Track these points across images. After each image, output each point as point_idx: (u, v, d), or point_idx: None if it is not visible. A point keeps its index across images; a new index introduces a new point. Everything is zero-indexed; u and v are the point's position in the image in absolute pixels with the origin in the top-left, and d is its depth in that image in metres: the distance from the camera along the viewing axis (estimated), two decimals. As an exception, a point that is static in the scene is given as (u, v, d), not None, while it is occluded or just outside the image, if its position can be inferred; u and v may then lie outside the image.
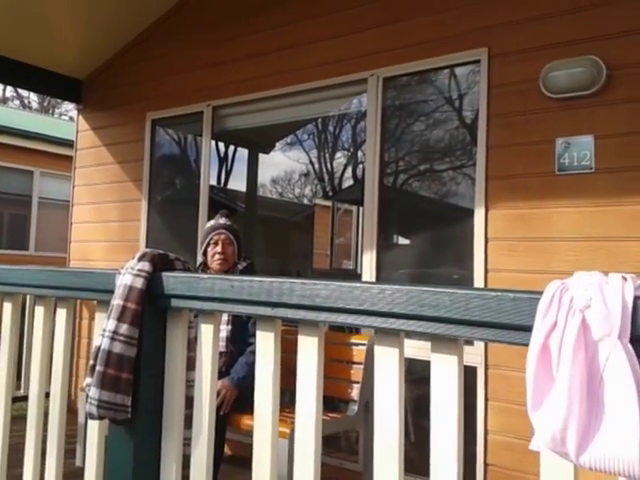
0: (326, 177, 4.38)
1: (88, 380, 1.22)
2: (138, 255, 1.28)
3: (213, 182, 4.37)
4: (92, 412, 1.18)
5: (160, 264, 1.27)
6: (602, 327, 0.72)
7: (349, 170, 4.08)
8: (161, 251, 1.33)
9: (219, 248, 3.10)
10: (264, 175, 4.80)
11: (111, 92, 4.91)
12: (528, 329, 0.78)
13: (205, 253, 3.18)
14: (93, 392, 1.18)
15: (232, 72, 4.07)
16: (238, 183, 5.47)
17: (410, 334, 0.96)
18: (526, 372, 0.78)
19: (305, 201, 4.72)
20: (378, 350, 1.00)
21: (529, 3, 2.95)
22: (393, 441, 0.97)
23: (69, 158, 9.20)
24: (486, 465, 2.91)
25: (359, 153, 3.65)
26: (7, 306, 1.64)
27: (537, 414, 0.76)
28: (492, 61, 3.04)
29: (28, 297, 4.17)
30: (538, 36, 2.89)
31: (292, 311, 1.06)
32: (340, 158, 4.13)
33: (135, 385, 1.19)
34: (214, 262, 3.11)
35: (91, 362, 1.23)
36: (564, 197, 2.79)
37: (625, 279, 0.75)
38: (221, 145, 5.04)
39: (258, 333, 1.15)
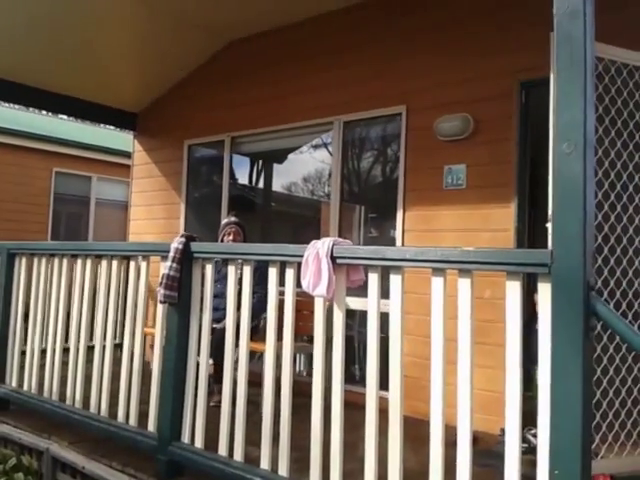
0: (316, 179, 5.98)
1: (158, 288, 2.87)
2: (179, 235, 2.93)
3: (242, 182, 5.94)
4: (161, 300, 2.84)
5: (189, 238, 2.92)
6: (322, 252, 2.32)
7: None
8: (189, 233, 2.97)
9: (231, 237, 4.72)
10: (278, 178, 6.40)
11: (158, 123, 6.63)
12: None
13: (222, 240, 4.80)
14: (162, 292, 2.83)
15: (245, 112, 5.71)
16: (257, 184, 7.02)
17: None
18: (306, 272, 2.39)
19: (308, 197, 6.29)
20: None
21: (431, 76, 4.50)
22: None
23: (120, 165, 11.10)
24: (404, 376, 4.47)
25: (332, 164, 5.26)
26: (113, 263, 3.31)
27: (309, 283, 2.37)
28: (409, 114, 4.61)
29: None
30: (435, 99, 4.44)
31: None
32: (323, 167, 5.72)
33: (178, 289, 2.84)
34: (228, 246, 4.75)
35: (159, 280, 2.88)
36: (447, 204, 4.34)
37: (333, 238, 2.35)
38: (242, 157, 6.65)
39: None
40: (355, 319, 4.72)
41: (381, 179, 5.08)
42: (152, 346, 3.16)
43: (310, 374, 2.93)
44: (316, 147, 5.54)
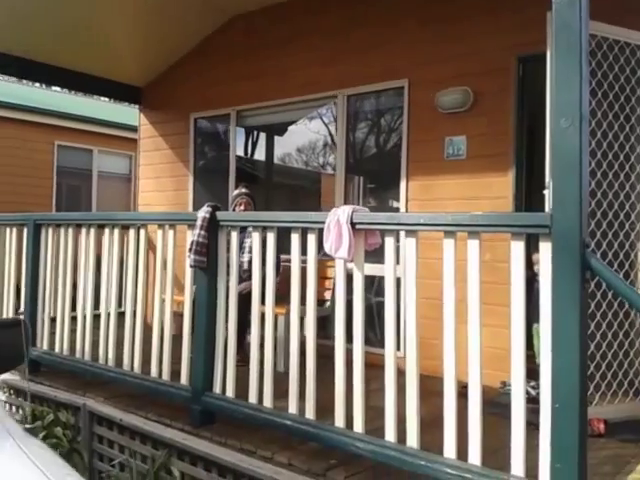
0: (321, 151, 6.21)
1: (188, 253, 3.12)
2: (205, 205, 3.17)
3: (248, 154, 6.15)
4: (192, 264, 3.10)
5: (215, 208, 3.16)
6: (343, 219, 2.57)
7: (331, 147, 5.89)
8: (214, 203, 3.21)
9: (242, 207, 4.94)
10: (278, 146, 6.61)
11: (164, 97, 6.78)
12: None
13: (234, 210, 5.04)
14: (192, 257, 3.08)
15: (250, 86, 5.88)
16: (260, 156, 7.20)
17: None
18: (328, 237, 2.64)
19: (310, 169, 6.54)
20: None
21: (432, 51, 4.69)
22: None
23: (121, 138, 11.22)
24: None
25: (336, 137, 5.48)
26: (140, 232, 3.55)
27: (331, 247, 2.62)
28: (411, 87, 4.81)
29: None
30: (436, 74, 4.64)
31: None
32: (326, 138, 5.94)
33: (207, 254, 3.09)
34: (239, 216, 4.99)
35: (188, 247, 3.13)
36: (449, 174, 4.58)
37: (353, 206, 2.60)
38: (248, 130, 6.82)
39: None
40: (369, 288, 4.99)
41: (385, 151, 5.31)
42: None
43: (324, 337, 3.22)
44: (319, 120, 5.75)
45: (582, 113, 2.05)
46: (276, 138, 6.61)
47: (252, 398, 2.94)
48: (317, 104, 5.57)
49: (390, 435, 2.45)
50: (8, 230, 4.52)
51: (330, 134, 5.64)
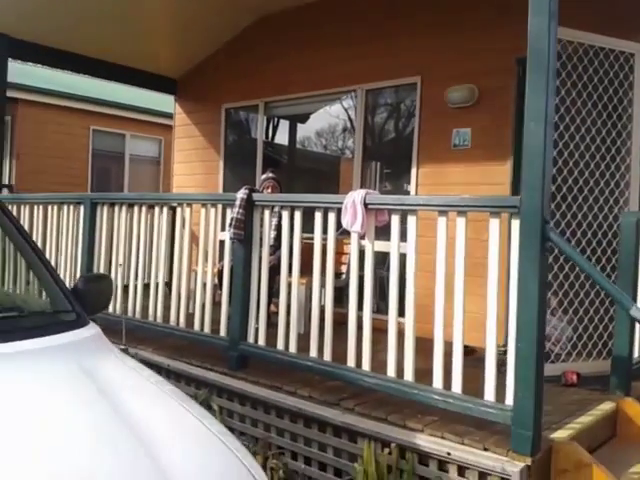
0: (341, 138, 6.79)
1: (228, 228, 3.74)
2: (243, 187, 3.78)
3: (274, 141, 6.75)
4: (231, 237, 3.72)
5: (251, 190, 3.77)
6: (357, 200, 3.16)
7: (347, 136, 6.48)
8: (258, 187, 3.82)
9: (269, 190, 5.54)
10: (301, 134, 7.18)
11: (197, 88, 7.39)
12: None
13: (261, 192, 5.64)
14: (232, 231, 3.70)
15: (277, 80, 6.45)
16: (283, 141, 7.76)
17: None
18: (348, 211, 3.23)
19: (331, 153, 7.12)
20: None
21: (443, 52, 5.22)
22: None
23: (151, 123, 11.87)
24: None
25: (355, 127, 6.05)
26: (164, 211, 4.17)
27: (347, 223, 3.22)
28: (423, 84, 5.36)
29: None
30: (445, 72, 5.17)
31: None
32: (345, 127, 6.51)
33: (244, 229, 3.70)
34: (267, 197, 5.59)
35: (228, 222, 3.75)
36: (456, 162, 5.14)
37: (366, 190, 3.19)
38: (275, 121, 7.38)
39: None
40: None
41: (399, 140, 5.86)
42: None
43: (339, 306, 3.83)
44: (340, 106, 6.32)
45: (547, 118, 2.61)
46: (298, 125, 7.19)
47: (280, 345, 3.57)
48: (338, 97, 6.14)
49: (391, 371, 3.07)
50: (66, 207, 5.18)
51: (350, 119, 6.19)
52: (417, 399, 2.95)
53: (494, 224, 2.80)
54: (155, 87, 7.75)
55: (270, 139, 7.28)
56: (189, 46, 7.14)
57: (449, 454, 2.74)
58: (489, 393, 2.75)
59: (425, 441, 2.83)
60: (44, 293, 2.49)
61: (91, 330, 2.21)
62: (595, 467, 2.69)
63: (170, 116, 11.77)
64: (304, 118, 7.11)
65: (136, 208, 4.56)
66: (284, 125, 7.31)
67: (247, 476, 1.63)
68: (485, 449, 2.70)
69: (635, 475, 2.96)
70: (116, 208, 4.73)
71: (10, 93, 9.17)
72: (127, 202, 4.69)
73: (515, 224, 2.69)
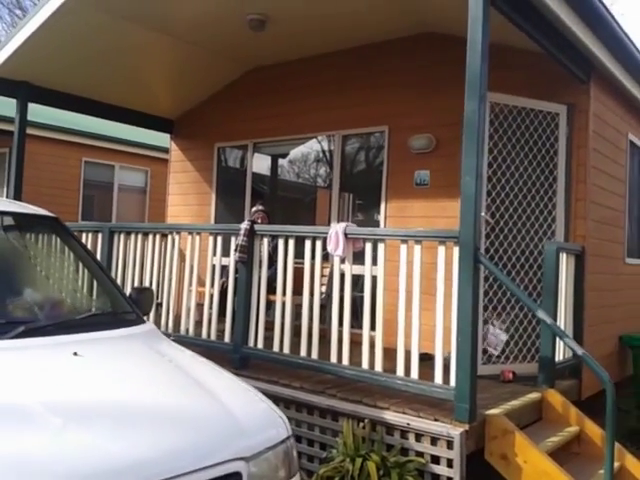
0: (319, 171, 7.74)
1: (233, 252, 4.61)
2: (246, 219, 4.67)
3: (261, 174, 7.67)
4: (236, 259, 4.59)
5: (253, 222, 4.67)
6: (340, 231, 4.08)
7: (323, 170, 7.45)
8: (250, 218, 4.72)
9: (260, 221, 6.43)
10: (282, 164, 8.10)
11: (192, 128, 8.29)
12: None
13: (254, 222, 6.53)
14: (237, 255, 4.57)
15: (265, 124, 7.39)
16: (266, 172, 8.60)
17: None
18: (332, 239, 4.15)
19: (309, 184, 8.04)
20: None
21: (406, 106, 6.23)
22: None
23: (139, 155, 12.70)
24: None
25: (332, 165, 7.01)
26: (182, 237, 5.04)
27: (332, 249, 4.13)
28: (390, 132, 6.37)
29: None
30: (408, 123, 6.18)
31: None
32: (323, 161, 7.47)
33: (247, 253, 4.58)
34: (257, 227, 6.48)
35: (233, 248, 4.62)
36: (416, 198, 6.12)
37: (346, 223, 4.12)
38: (259, 156, 8.26)
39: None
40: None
41: (370, 178, 6.83)
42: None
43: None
44: (319, 149, 7.29)
45: (478, 173, 3.58)
46: (285, 162, 8.13)
47: (276, 347, 4.44)
48: (318, 140, 7.12)
49: (365, 364, 3.97)
50: (84, 235, 5.98)
51: (328, 158, 7.15)
52: (385, 385, 3.85)
53: (441, 250, 3.74)
54: (153, 127, 8.62)
55: (254, 172, 8.19)
56: (185, 91, 8.06)
57: (409, 424, 3.63)
58: (438, 377, 3.67)
59: (391, 416, 3.72)
60: (106, 299, 3.33)
61: (149, 325, 3.09)
62: (517, 433, 3.61)
63: (156, 149, 12.76)
64: (286, 154, 8.06)
65: (150, 236, 5.40)
66: (267, 159, 8.21)
67: (276, 417, 2.51)
68: (435, 419, 3.60)
69: (549, 443, 3.89)
70: (132, 236, 5.56)
71: (6, 127, 9.97)
72: (142, 231, 5.52)
73: (456, 250, 3.64)
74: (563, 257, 4.81)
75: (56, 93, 7.20)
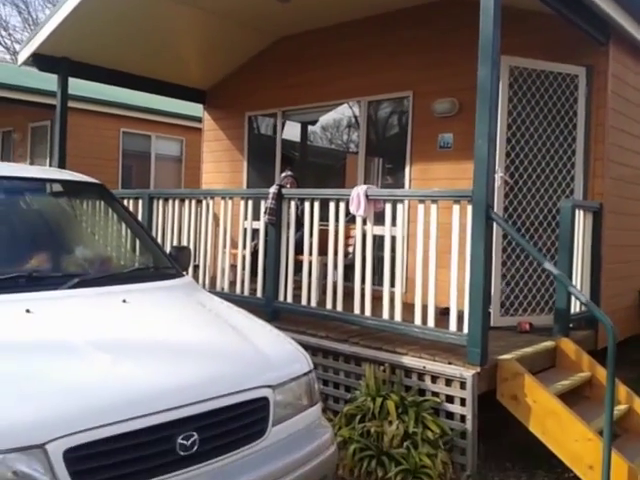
0: (346, 138, 7.98)
1: (263, 215, 4.96)
2: (275, 184, 4.99)
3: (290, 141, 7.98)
4: (266, 221, 4.93)
5: (281, 186, 4.98)
6: (361, 193, 4.36)
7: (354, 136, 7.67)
8: (279, 183, 5.04)
9: (289, 186, 6.73)
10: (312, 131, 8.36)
11: (223, 98, 8.59)
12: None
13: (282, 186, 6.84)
14: (267, 217, 4.91)
15: (293, 92, 7.63)
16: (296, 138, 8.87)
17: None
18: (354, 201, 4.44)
19: (339, 149, 8.29)
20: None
21: (430, 71, 6.39)
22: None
23: (175, 125, 13.07)
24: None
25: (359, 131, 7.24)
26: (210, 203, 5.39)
27: (354, 209, 4.42)
28: (414, 97, 6.55)
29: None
30: (432, 87, 6.35)
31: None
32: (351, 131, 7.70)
33: (276, 215, 4.91)
34: (287, 191, 6.80)
35: (263, 211, 4.96)
36: (440, 161, 6.32)
37: (368, 185, 4.39)
38: (289, 123, 8.51)
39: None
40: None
41: (394, 143, 7.05)
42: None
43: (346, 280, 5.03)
44: (347, 113, 7.51)
45: (490, 136, 3.80)
46: (314, 128, 8.39)
47: (304, 301, 4.79)
48: (348, 105, 7.35)
49: (385, 315, 4.29)
50: (125, 201, 6.39)
51: (355, 117, 7.37)
52: (403, 333, 4.17)
53: (456, 209, 4.00)
54: (187, 97, 8.95)
55: (285, 139, 8.48)
56: (215, 63, 8.34)
57: (425, 367, 3.95)
58: (453, 325, 3.97)
59: (408, 360, 4.05)
60: (149, 256, 3.71)
61: (187, 278, 3.46)
62: (526, 376, 3.89)
63: (190, 118, 13.11)
64: (315, 121, 8.31)
65: (186, 202, 5.77)
66: (297, 126, 8.46)
67: (299, 354, 2.86)
68: (449, 363, 3.91)
69: (559, 386, 4.17)
70: (170, 202, 5.94)
71: (49, 100, 10.45)
72: (179, 197, 5.90)
73: (469, 208, 3.89)
74: (580, 214, 5.00)
75: (94, 67, 7.57)
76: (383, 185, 7.20)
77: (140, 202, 6.20)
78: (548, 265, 3.66)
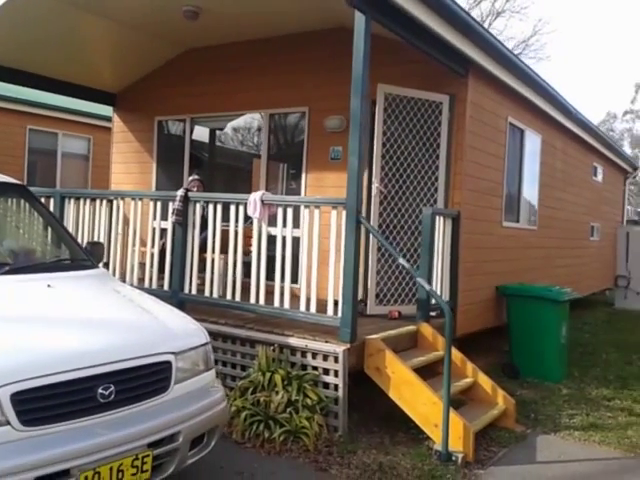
0: (256, 140, 8.69)
1: (170, 215, 5.57)
2: (182, 188, 5.62)
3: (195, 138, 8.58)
4: (173, 221, 5.55)
5: (187, 190, 5.62)
6: (257, 198, 5.10)
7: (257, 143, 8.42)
8: (186, 186, 5.68)
9: (195, 189, 7.33)
10: (225, 137, 9.00)
11: (134, 102, 9.04)
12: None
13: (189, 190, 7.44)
14: (174, 217, 5.53)
15: (201, 100, 8.22)
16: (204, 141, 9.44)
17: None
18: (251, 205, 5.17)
19: (246, 153, 8.94)
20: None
21: (323, 90, 7.22)
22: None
23: (82, 123, 13.21)
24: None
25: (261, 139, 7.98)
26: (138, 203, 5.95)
27: (250, 212, 5.15)
28: (310, 112, 7.36)
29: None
30: (325, 105, 7.19)
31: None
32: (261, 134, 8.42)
33: (182, 216, 5.53)
34: (193, 194, 7.41)
35: (170, 212, 5.58)
36: (332, 170, 7.17)
37: (263, 191, 5.14)
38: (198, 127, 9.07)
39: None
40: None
41: (295, 151, 7.82)
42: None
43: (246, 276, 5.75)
44: (252, 126, 8.23)
45: (360, 154, 4.66)
46: (219, 133, 9.02)
47: (206, 293, 5.46)
48: (250, 117, 8.06)
49: (277, 303, 5.06)
50: (37, 199, 6.75)
51: (258, 130, 8.08)
52: (290, 317, 4.97)
53: (334, 214, 4.84)
54: (97, 100, 9.31)
55: (194, 139, 9.05)
56: (125, 68, 8.79)
57: (307, 346, 4.76)
58: (330, 311, 4.80)
59: (294, 341, 4.83)
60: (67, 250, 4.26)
61: (102, 270, 4.07)
62: (387, 351, 4.78)
63: (98, 117, 13.29)
64: (222, 128, 8.95)
65: (97, 202, 6.26)
66: (206, 130, 9.03)
67: (199, 330, 3.56)
68: (326, 342, 4.73)
69: (416, 361, 5.09)
70: (81, 201, 6.40)
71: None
72: (90, 197, 6.37)
73: (344, 213, 4.74)
74: (441, 220, 5.99)
75: (3, 69, 7.83)
76: (288, 189, 7.96)
77: (52, 200, 6.60)
78: (402, 260, 4.56)
